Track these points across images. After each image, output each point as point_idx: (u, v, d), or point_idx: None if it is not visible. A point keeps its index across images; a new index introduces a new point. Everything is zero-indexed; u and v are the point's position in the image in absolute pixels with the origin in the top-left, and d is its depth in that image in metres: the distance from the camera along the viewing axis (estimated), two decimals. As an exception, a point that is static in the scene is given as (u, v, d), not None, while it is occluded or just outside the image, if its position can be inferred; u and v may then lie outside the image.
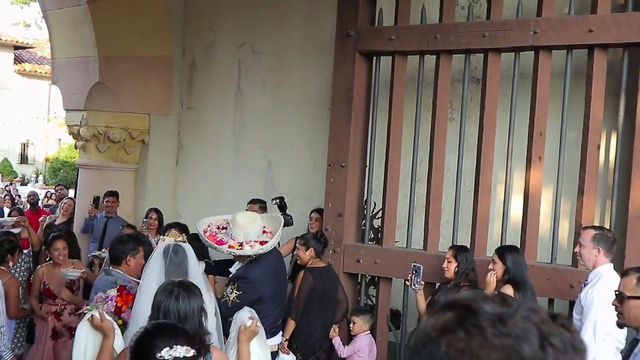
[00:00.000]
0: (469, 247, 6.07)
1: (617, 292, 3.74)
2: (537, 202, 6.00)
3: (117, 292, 4.73)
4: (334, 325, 6.18)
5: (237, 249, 5.18)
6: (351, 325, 6.20)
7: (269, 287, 5.25)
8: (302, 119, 8.44)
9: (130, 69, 9.21)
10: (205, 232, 5.37)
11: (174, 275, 4.11)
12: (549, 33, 5.79)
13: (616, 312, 3.75)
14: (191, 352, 2.64)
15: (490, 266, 5.35)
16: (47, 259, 6.98)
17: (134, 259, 4.95)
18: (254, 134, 8.98)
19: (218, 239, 5.24)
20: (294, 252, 6.62)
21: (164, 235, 6.20)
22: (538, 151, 5.95)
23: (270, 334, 5.14)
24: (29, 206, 13.10)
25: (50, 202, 14.52)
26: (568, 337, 0.87)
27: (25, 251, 7.57)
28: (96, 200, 9.05)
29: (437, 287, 6.01)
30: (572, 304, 5.34)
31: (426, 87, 6.57)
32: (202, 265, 5.68)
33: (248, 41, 8.99)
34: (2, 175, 31.45)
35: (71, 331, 6.18)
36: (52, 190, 16.44)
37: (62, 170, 31.37)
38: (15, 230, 7.87)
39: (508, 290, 5.12)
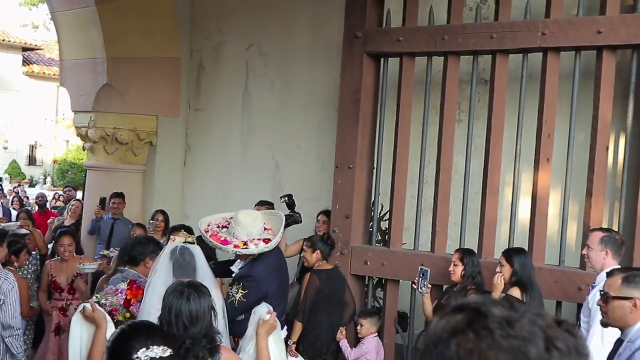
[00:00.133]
0: (476, 249, 6.06)
1: (602, 292, 3.77)
2: (545, 204, 5.98)
3: (127, 285, 4.77)
4: (341, 328, 6.17)
5: (243, 248, 5.19)
6: (358, 327, 6.19)
7: (274, 284, 5.26)
8: (310, 120, 8.44)
9: (138, 70, 9.23)
10: (207, 232, 5.37)
11: (183, 276, 4.13)
12: (557, 34, 5.78)
13: (601, 312, 3.79)
14: (168, 352, 2.64)
15: (498, 269, 5.34)
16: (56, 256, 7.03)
17: (153, 262, 4.96)
18: (261, 135, 8.98)
19: (222, 239, 5.24)
20: (301, 255, 6.61)
21: (169, 238, 6.21)
22: (546, 153, 5.93)
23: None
24: (37, 208, 13.14)
25: (59, 203, 14.56)
26: (572, 341, 0.90)
27: (32, 253, 7.60)
28: (102, 201, 9.06)
29: (443, 290, 6.00)
30: (579, 306, 5.32)
31: (434, 88, 6.56)
32: None
33: (256, 42, 8.99)
34: (11, 177, 31.57)
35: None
36: (60, 192, 16.47)
37: (70, 172, 31.47)
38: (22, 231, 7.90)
39: (515, 292, 5.11)
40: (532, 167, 6.06)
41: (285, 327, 5.79)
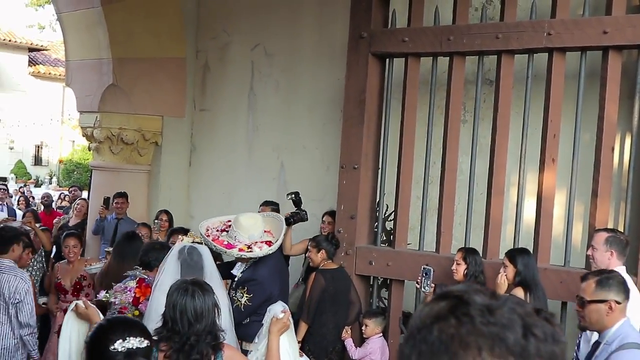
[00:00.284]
0: (481, 249, 6.06)
1: (577, 297, 3.81)
2: (551, 205, 5.97)
3: (137, 283, 4.80)
4: (346, 327, 6.18)
5: (248, 252, 5.21)
6: (363, 328, 6.19)
7: (277, 286, 5.28)
8: (315, 120, 8.44)
9: (144, 70, 9.24)
10: (208, 236, 5.39)
11: (190, 276, 4.15)
12: (563, 34, 5.77)
13: (578, 317, 3.82)
14: (144, 343, 2.73)
15: (502, 269, 5.33)
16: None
17: None
18: (266, 136, 8.98)
19: (225, 243, 5.26)
20: (307, 255, 6.61)
21: (168, 239, 6.27)
22: (552, 153, 5.92)
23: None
24: (42, 208, 13.17)
25: (64, 203, 14.60)
26: (550, 329, 0.94)
27: (37, 251, 7.63)
28: (106, 201, 9.07)
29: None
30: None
31: (439, 89, 6.56)
32: None
33: (261, 43, 9.00)
34: (17, 177, 31.65)
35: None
36: (66, 192, 16.52)
37: (75, 172, 31.55)
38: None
39: (519, 292, 5.11)
40: (537, 167, 6.05)
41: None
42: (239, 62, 9.25)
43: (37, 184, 31.42)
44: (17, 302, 5.63)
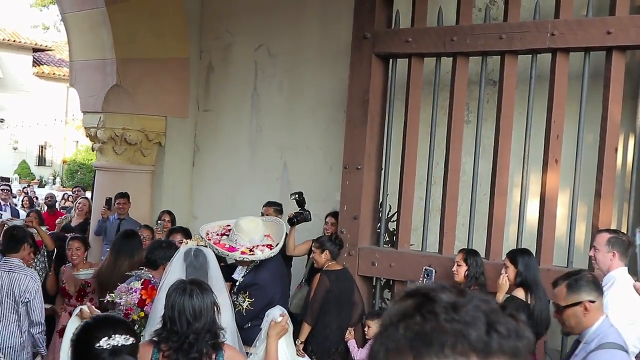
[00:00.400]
0: (484, 250, 6.05)
1: (553, 304, 3.85)
2: (554, 205, 5.96)
3: (142, 285, 4.82)
4: (349, 328, 6.18)
5: (249, 255, 5.22)
6: (366, 329, 6.18)
7: (279, 290, 5.29)
8: (318, 121, 8.44)
9: (147, 71, 9.25)
10: (209, 240, 5.41)
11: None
12: (567, 35, 5.76)
13: (560, 323, 3.82)
14: (130, 340, 2.75)
15: (503, 270, 5.33)
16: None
17: None
18: (270, 136, 8.99)
19: (227, 246, 5.27)
20: (311, 256, 6.61)
21: (167, 238, 6.30)
22: (555, 154, 5.91)
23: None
24: (46, 208, 13.19)
25: (68, 204, 14.60)
26: (513, 325, 0.95)
27: (41, 251, 7.66)
28: (108, 202, 9.06)
29: None
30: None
31: (442, 89, 6.55)
32: None
33: (264, 43, 9.00)
34: (20, 177, 31.71)
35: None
36: (70, 193, 16.54)
37: (79, 173, 31.59)
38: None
39: (519, 293, 5.11)
40: (540, 168, 6.05)
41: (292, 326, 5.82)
42: (242, 63, 9.26)
43: (41, 185, 31.48)
44: (27, 301, 5.72)
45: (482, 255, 6.06)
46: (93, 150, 10.55)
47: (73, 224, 9.75)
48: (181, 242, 6.03)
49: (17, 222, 8.24)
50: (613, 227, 5.67)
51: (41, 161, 37.18)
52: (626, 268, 4.78)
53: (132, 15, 8.94)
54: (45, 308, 6.72)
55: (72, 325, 4.14)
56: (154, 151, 9.65)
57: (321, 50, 8.45)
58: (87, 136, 10.21)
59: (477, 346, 0.91)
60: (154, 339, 3.49)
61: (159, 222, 8.41)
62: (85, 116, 9.95)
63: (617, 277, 4.68)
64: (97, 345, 2.66)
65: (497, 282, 5.31)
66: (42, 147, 37.30)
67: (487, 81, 6.48)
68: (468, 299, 0.96)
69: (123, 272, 5.50)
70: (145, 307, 4.72)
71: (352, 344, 6.12)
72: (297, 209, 6.93)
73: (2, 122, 35.40)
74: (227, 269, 5.87)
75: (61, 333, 6.65)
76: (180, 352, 3.38)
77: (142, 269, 5.25)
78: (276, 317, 4.25)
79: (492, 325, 0.93)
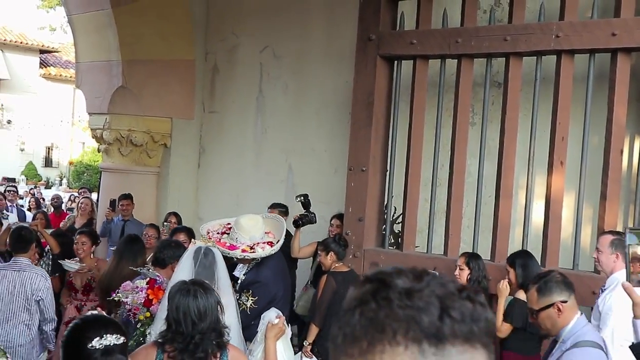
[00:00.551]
0: (489, 252, 6.05)
1: (528, 309, 3.83)
2: (559, 208, 5.95)
3: (147, 284, 4.83)
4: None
5: (250, 252, 5.23)
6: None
7: (281, 286, 5.29)
8: (323, 123, 8.44)
9: (153, 72, 9.27)
10: (209, 239, 5.42)
11: (203, 277, 4.20)
12: (572, 37, 5.75)
13: (538, 327, 3.84)
14: (121, 340, 2.78)
15: (507, 276, 5.36)
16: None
17: None
18: (275, 138, 8.99)
19: (227, 245, 5.28)
20: (318, 259, 6.61)
21: (171, 238, 6.35)
22: (560, 156, 5.90)
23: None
24: (52, 209, 13.22)
25: (74, 205, 14.63)
26: (469, 309, 0.94)
27: (46, 253, 7.71)
28: (112, 203, 9.08)
29: None
30: (594, 310, 5.29)
31: (447, 91, 6.55)
32: None
33: (270, 45, 9.01)
34: (27, 179, 31.76)
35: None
36: (76, 194, 16.57)
37: (85, 174, 31.66)
38: None
39: (521, 295, 5.12)
40: (545, 170, 6.03)
41: (289, 328, 5.81)
42: (247, 64, 9.28)
43: (48, 186, 31.51)
44: (40, 300, 5.84)
45: (488, 257, 6.06)
46: (99, 152, 10.59)
47: (77, 225, 9.74)
48: (185, 242, 6.07)
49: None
50: (619, 229, 5.65)
51: (48, 162, 37.24)
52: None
53: (138, 17, 8.97)
54: None
55: None
56: (159, 152, 9.68)
57: (326, 52, 8.45)
58: (93, 137, 10.25)
59: (429, 332, 0.91)
60: (158, 340, 3.50)
61: (165, 223, 8.42)
62: (91, 117, 9.98)
63: (621, 279, 4.66)
64: (90, 345, 2.68)
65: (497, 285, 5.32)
66: (48, 148, 37.37)
67: (492, 83, 6.47)
68: (425, 284, 0.95)
69: (125, 276, 5.53)
70: (152, 307, 4.74)
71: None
72: (303, 211, 6.93)
73: (9, 123, 35.49)
74: (228, 267, 5.88)
75: (68, 325, 6.71)
76: (186, 353, 3.39)
77: (148, 268, 5.28)
78: (272, 319, 4.26)
79: (446, 310, 0.92)
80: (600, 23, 5.70)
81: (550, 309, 3.63)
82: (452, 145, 6.38)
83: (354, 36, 6.79)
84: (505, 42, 6.01)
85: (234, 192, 9.30)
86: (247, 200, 9.00)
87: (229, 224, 5.55)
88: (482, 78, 6.48)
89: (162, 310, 4.24)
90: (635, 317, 3.34)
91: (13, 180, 22.07)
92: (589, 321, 4.94)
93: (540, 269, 5.34)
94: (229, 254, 5.31)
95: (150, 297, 4.81)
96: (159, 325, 4.02)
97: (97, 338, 2.70)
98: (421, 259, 6.38)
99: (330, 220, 7.32)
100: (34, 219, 9.74)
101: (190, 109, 9.69)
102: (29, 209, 14.23)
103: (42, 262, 7.32)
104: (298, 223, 6.85)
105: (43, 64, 36.32)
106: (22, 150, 35.68)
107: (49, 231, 8.32)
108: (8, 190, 13.34)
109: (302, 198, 6.98)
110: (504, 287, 5.22)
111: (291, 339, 6.87)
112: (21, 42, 34.57)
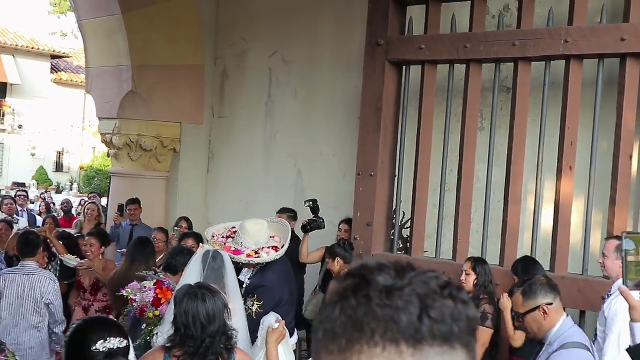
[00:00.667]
0: (498, 257, 6.03)
1: (514, 313, 3.81)
2: (568, 213, 5.93)
3: (154, 284, 4.86)
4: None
5: (255, 257, 5.23)
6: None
7: (287, 290, 5.30)
8: (332, 127, 8.45)
9: (163, 77, 9.31)
10: (215, 243, 5.43)
11: (212, 281, 4.22)
12: (581, 42, 5.73)
13: (525, 331, 3.85)
14: (124, 343, 2.79)
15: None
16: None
17: None
18: (284, 143, 9.01)
19: (232, 249, 5.28)
20: (327, 267, 6.61)
21: (179, 243, 6.39)
22: (569, 161, 5.88)
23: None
24: (62, 214, 13.28)
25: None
26: (450, 308, 0.93)
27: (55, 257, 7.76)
28: (121, 208, 9.12)
29: None
30: (603, 316, 5.27)
31: (456, 96, 6.54)
32: None
33: (279, 50, 9.04)
34: (38, 183, 31.92)
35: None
36: (86, 199, 16.64)
37: (96, 179, 31.79)
38: None
39: None
40: (554, 175, 6.01)
41: (296, 333, 5.81)
42: (257, 70, 9.30)
43: (58, 191, 31.67)
44: (50, 303, 5.95)
45: (497, 262, 6.05)
46: (109, 157, 10.62)
47: (85, 231, 9.74)
48: (193, 247, 6.09)
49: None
50: (628, 234, 5.61)
51: (59, 167, 37.44)
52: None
53: (148, 22, 9.01)
54: None
55: None
56: (169, 157, 9.71)
57: (335, 57, 8.47)
58: (103, 142, 10.30)
59: (407, 333, 0.90)
60: (166, 345, 3.51)
61: (175, 228, 8.44)
62: (101, 122, 10.03)
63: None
64: (94, 348, 2.69)
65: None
66: (59, 153, 37.57)
67: (500, 88, 6.46)
68: (407, 282, 0.94)
69: (139, 279, 5.57)
70: (161, 307, 4.76)
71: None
72: (311, 216, 6.93)
73: (20, 128, 35.70)
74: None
75: None
76: (196, 357, 3.41)
77: (156, 272, 5.30)
78: (272, 323, 4.26)
79: (425, 310, 0.91)
80: (609, 28, 5.68)
81: (536, 312, 3.63)
82: (460, 151, 6.37)
83: (363, 41, 6.80)
84: (514, 47, 6.00)
85: (243, 197, 9.32)
86: (257, 205, 9.01)
87: (234, 227, 5.56)
88: (490, 83, 6.47)
89: (170, 313, 4.26)
90: (632, 320, 3.33)
91: (23, 185, 22.18)
92: (595, 327, 4.94)
93: (544, 273, 5.31)
94: (234, 258, 5.32)
95: (160, 297, 4.84)
96: (167, 328, 4.04)
97: (101, 341, 2.71)
98: (429, 264, 6.36)
99: (339, 225, 7.32)
100: (44, 223, 9.79)
101: (200, 114, 9.72)
102: (40, 214, 14.30)
103: (50, 267, 7.35)
104: (307, 228, 6.86)
105: (54, 69, 36.54)
106: (33, 155, 35.89)
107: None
108: (19, 195, 13.42)
109: (310, 203, 6.98)
110: (505, 301, 5.14)
111: (300, 343, 6.90)
112: (33, 48, 34.80)
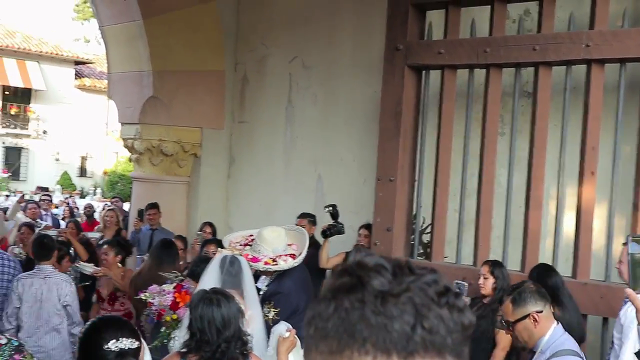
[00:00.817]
0: (519, 263, 5.99)
1: (505, 322, 3.76)
2: (590, 218, 5.87)
3: (174, 288, 4.88)
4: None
5: (273, 265, 5.23)
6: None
7: (304, 297, 5.29)
8: (352, 132, 8.44)
9: (183, 83, 9.36)
10: (234, 249, 5.44)
11: (229, 286, 4.23)
12: (602, 46, 5.68)
13: (514, 340, 3.81)
14: (135, 344, 2.82)
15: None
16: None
17: None
18: (304, 148, 9.01)
19: (250, 257, 5.29)
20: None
21: (201, 250, 6.42)
22: (591, 166, 5.82)
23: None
24: (85, 218, 13.39)
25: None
26: (446, 317, 0.91)
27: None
28: (140, 213, 9.16)
29: (470, 301, 5.82)
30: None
31: (476, 101, 6.50)
32: None
33: (299, 55, 9.05)
34: (62, 188, 32.20)
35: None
36: (109, 203, 16.76)
37: (119, 184, 32.03)
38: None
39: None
40: (576, 180, 5.95)
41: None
42: (277, 75, 9.32)
43: (82, 195, 31.93)
44: (67, 305, 6.06)
45: (518, 268, 6.00)
46: (130, 161, 10.69)
47: (106, 237, 9.75)
48: (214, 253, 6.10)
49: (51, 233, 8.39)
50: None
51: (82, 172, 37.78)
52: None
53: (168, 28, 9.06)
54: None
55: None
56: (189, 162, 9.75)
57: (355, 62, 8.46)
58: (124, 147, 10.36)
59: (400, 343, 0.88)
60: (181, 350, 3.53)
61: (198, 233, 8.47)
62: (122, 127, 10.10)
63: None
64: (106, 347, 2.72)
65: None
66: (83, 158, 37.90)
67: (521, 93, 6.41)
68: (403, 287, 0.91)
69: (163, 280, 5.59)
70: (179, 310, 4.78)
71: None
72: (331, 221, 6.93)
73: (44, 133, 36.07)
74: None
75: None
76: None
77: (176, 275, 5.33)
78: (283, 332, 4.25)
79: (419, 320, 0.89)
80: (631, 32, 5.62)
81: (526, 320, 3.60)
82: (481, 156, 6.33)
83: (382, 46, 6.78)
84: (535, 52, 5.95)
85: (263, 201, 9.33)
86: (277, 209, 9.02)
87: (251, 235, 5.57)
88: (511, 88, 6.42)
89: (187, 318, 4.28)
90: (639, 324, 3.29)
91: (46, 189, 22.40)
92: (612, 334, 4.88)
93: (560, 279, 5.26)
94: (251, 266, 5.33)
95: (178, 300, 4.86)
96: (184, 332, 4.05)
97: (113, 340, 2.74)
98: (450, 269, 6.33)
99: (359, 230, 7.31)
100: (67, 227, 9.87)
101: (220, 119, 9.76)
102: (63, 218, 14.43)
103: (71, 269, 7.40)
104: (326, 233, 6.85)
105: (78, 75, 36.92)
106: (57, 160, 36.27)
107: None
108: (42, 200, 13.56)
109: (330, 208, 6.98)
110: (502, 336, 5.04)
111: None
112: (56, 54, 35.19)
